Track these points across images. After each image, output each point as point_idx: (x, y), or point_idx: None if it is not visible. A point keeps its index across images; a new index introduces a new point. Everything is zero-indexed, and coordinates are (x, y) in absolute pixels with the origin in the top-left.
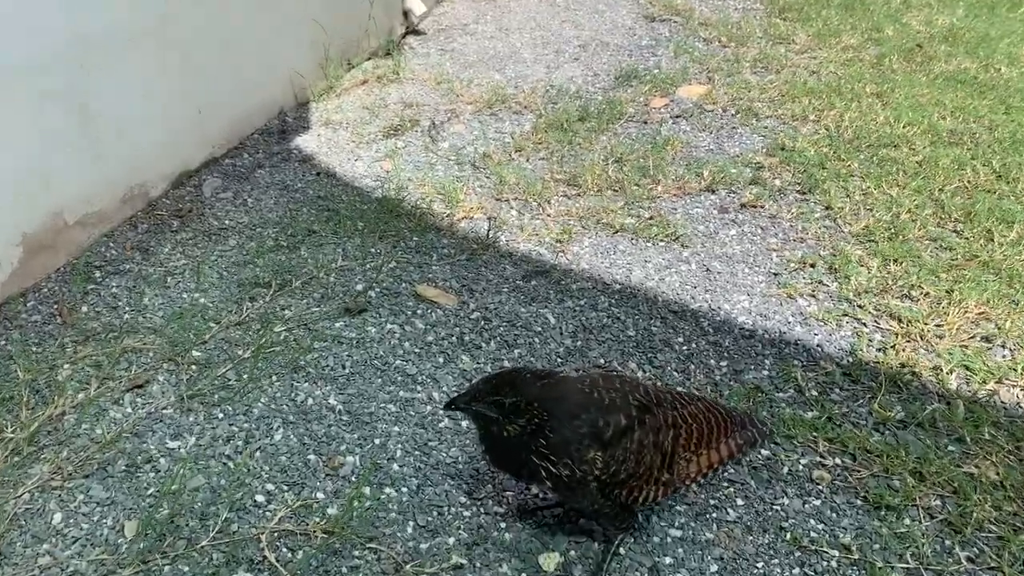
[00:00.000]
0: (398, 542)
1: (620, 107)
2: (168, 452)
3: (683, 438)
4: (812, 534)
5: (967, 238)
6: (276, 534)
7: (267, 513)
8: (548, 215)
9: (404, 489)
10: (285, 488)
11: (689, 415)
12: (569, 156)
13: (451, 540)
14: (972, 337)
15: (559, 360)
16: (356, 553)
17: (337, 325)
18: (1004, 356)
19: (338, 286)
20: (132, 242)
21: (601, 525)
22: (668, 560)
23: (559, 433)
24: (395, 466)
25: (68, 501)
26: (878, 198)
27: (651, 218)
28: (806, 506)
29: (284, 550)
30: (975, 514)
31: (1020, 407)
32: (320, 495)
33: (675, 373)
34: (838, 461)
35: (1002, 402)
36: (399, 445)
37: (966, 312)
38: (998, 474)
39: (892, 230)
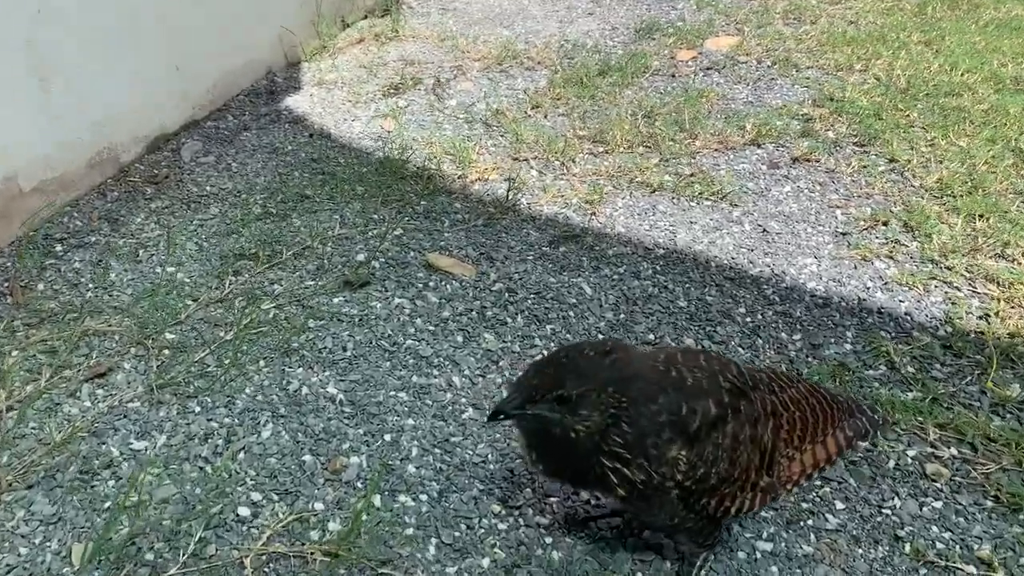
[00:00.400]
0: (418, 565)
1: (644, 60)
2: (132, 455)
3: (785, 430)
4: (938, 545)
5: None
6: (264, 557)
7: (252, 530)
8: (573, 175)
9: (423, 497)
10: (275, 498)
11: (790, 400)
12: (592, 112)
13: (485, 562)
14: None
15: (602, 337)
16: None
17: (336, 301)
18: None
19: (336, 257)
20: (100, 211)
21: (676, 541)
22: None
23: (636, 425)
24: (410, 468)
25: (4, 519)
26: (947, 149)
27: (692, 175)
28: (924, 509)
29: None
30: None
31: None
32: (319, 506)
33: (740, 349)
34: (955, 452)
35: None
36: (415, 442)
37: None
38: None
39: (970, 183)
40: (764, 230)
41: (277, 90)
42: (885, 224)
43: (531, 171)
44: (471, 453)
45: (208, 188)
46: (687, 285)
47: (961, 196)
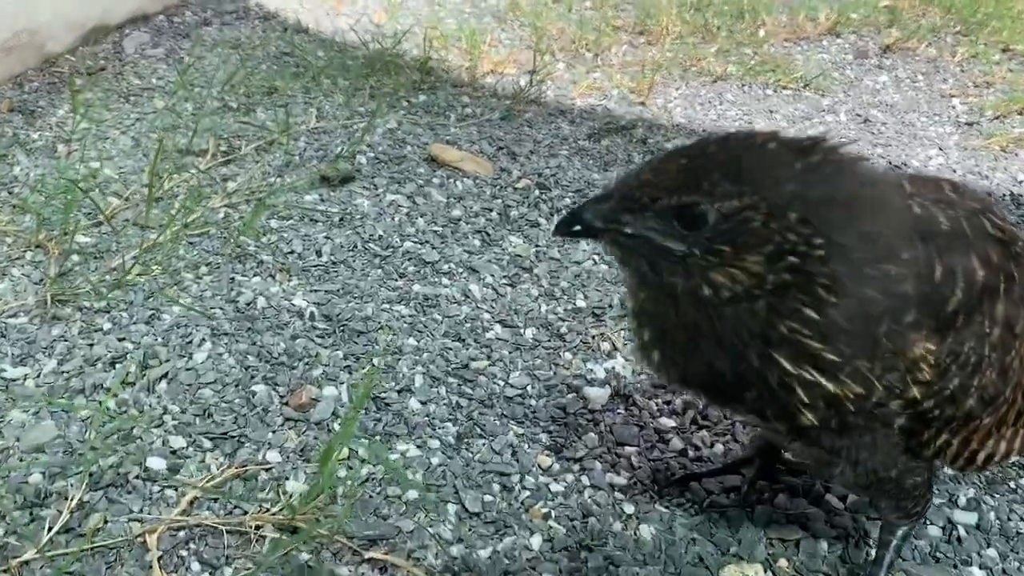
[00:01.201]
0: (428, 547)
1: None
2: (3, 386)
3: None
4: None
5: None
6: (182, 534)
7: (168, 492)
8: (611, 65)
9: (434, 444)
10: (207, 444)
11: None
12: (627, 2)
13: (535, 540)
14: None
15: None
16: (344, 574)
17: (308, 199)
18: None
19: (310, 151)
20: (13, 101)
21: (871, 507)
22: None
23: (846, 292)
24: (413, 403)
25: None
26: None
27: (762, 63)
28: None
29: (196, 567)
30: None
31: None
32: (273, 456)
33: None
34: None
35: None
36: (418, 367)
37: None
38: None
39: None
40: (865, 120)
41: None
42: (1021, 113)
43: (557, 63)
44: (502, 383)
45: (154, 80)
46: None
47: None
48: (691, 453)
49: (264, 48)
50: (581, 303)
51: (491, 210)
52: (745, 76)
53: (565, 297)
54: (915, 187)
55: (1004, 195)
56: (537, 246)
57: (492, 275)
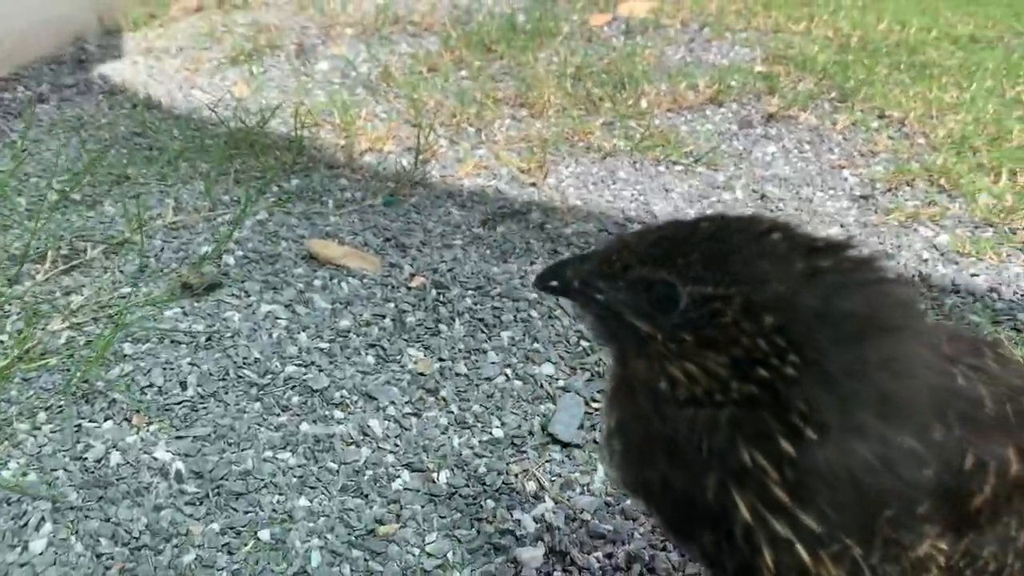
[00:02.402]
0: None
1: (553, 24)
2: None
3: None
4: None
5: None
6: None
7: None
8: (495, 142)
9: None
10: None
11: None
12: (504, 74)
13: None
14: None
15: (586, 345)
16: None
17: (169, 314)
18: None
19: (167, 253)
20: None
21: None
22: None
23: (831, 431)
24: None
25: None
26: (945, 102)
27: (650, 136)
28: None
29: None
30: None
31: None
32: None
33: None
34: None
35: None
36: (314, 538)
37: None
38: None
39: (986, 137)
40: (762, 195)
41: (89, 59)
42: (910, 184)
43: (440, 139)
44: (417, 552)
45: None
46: None
47: (984, 150)
48: None
49: (111, 128)
50: (498, 431)
51: (384, 316)
52: (634, 152)
53: (479, 425)
54: (953, 348)
55: (913, 274)
56: (441, 359)
57: (393, 402)
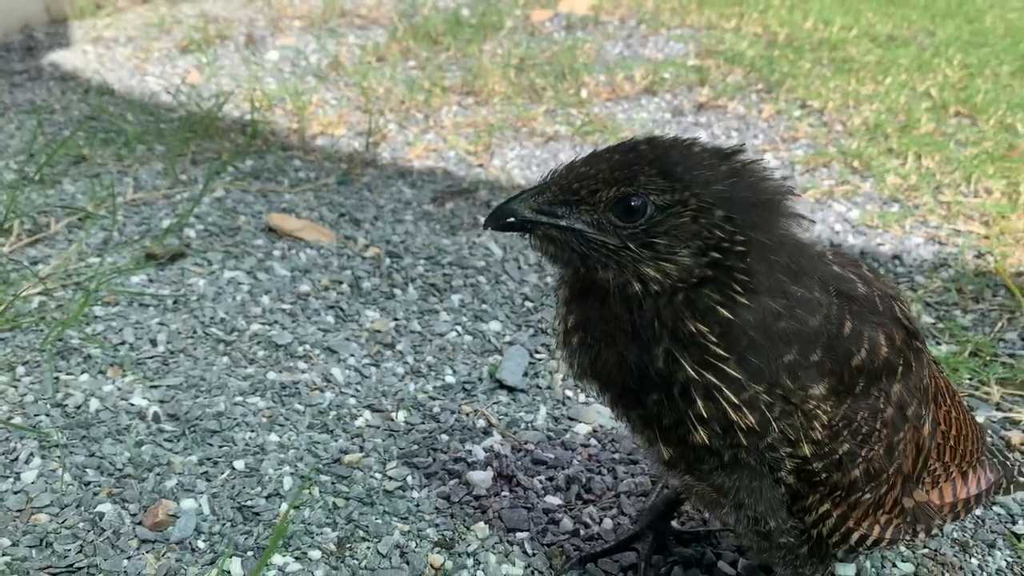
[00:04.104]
0: None
1: (497, 18)
2: None
3: (941, 430)
4: None
5: (983, 130)
6: None
7: None
8: (443, 127)
9: (314, 554)
10: None
11: (948, 389)
12: (451, 64)
13: None
14: None
15: (530, 306)
16: None
17: (136, 280)
18: None
19: (130, 227)
20: None
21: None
22: None
23: (760, 299)
24: (286, 508)
25: None
26: (862, 94)
27: (589, 123)
28: None
29: None
30: None
31: None
32: None
33: None
34: None
35: None
36: (285, 467)
37: None
38: None
39: (896, 125)
40: None
41: (38, 47)
42: (827, 166)
43: (389, 124)
44: (379, 476)
45: None
46: None
47: (894, 137)
48: (583, 532)
49: (65, 113)
50: (450, 378)
51: (341, 282)
52: (575, 136)
53: (433, 373)
54: (838, 257)
55: (825, 243)
56: (396, 319)
57: (352, 355)
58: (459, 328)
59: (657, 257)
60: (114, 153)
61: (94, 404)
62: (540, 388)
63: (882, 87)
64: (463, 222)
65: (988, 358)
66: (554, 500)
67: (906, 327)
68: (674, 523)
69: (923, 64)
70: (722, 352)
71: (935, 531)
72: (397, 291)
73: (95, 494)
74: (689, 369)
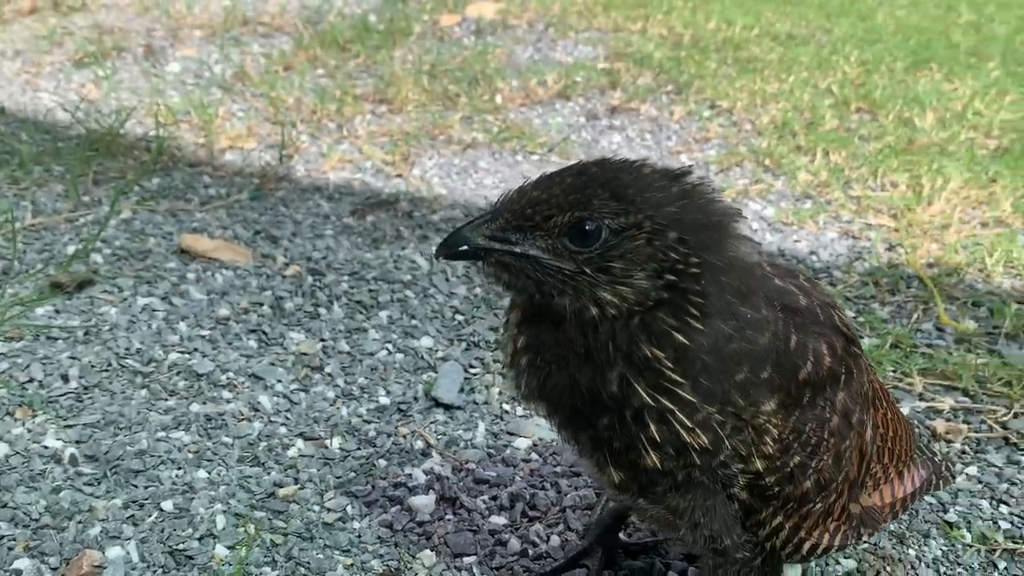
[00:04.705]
0: None
1: (405, 24)
2: None
3: (880, 433)
4: (1002, 524)
5: (884, 125)
6: None
7: None
8: (357, 136)
9: None
10: None
11: (883, 392)
12: (360, 71)
13: None
14: (984, 224)
15: (461, 319)
16: None
17: (41, 312)
18: None
19: (31, 254)
20: None
21: None
22: None
23: (713, 322)
24: (219, 549)
25: None
26: (768, 93)
27: (506, 129)
28: (960, 481)
29: None
30: None
31: None
32: None
33: None
34: (952, 402)
35: None
36: (217, 504)
37: (951, 198)
38: None
39: (803, 122)
40: None
41: None
42: (739, 166)
43: (301, 135)
44: (317, 508)
45: None
46: None
47: (801, 135)
48: (531, 552)
49: None
50: (384, 399)
51: (262, 304)
52: (493, 143)
53: (366, 395)
54: (775, 269)
55: None
56: (323, 340)
57: (280, 381)
58: (389, 346)
59: (614, 281)
60: (8, 176)
61: (3, 449)
62: (477, 404)
63: (786, 85)
64: (386, 235)
65: (908, 349)
66: (499, 520)
67: (845, 334)
68: (622, 535)
69: (823, 62)
70: (677, 377)
71: (878, 532)
72: (322, 310)
73: (10, 549)
74: (644, 394)
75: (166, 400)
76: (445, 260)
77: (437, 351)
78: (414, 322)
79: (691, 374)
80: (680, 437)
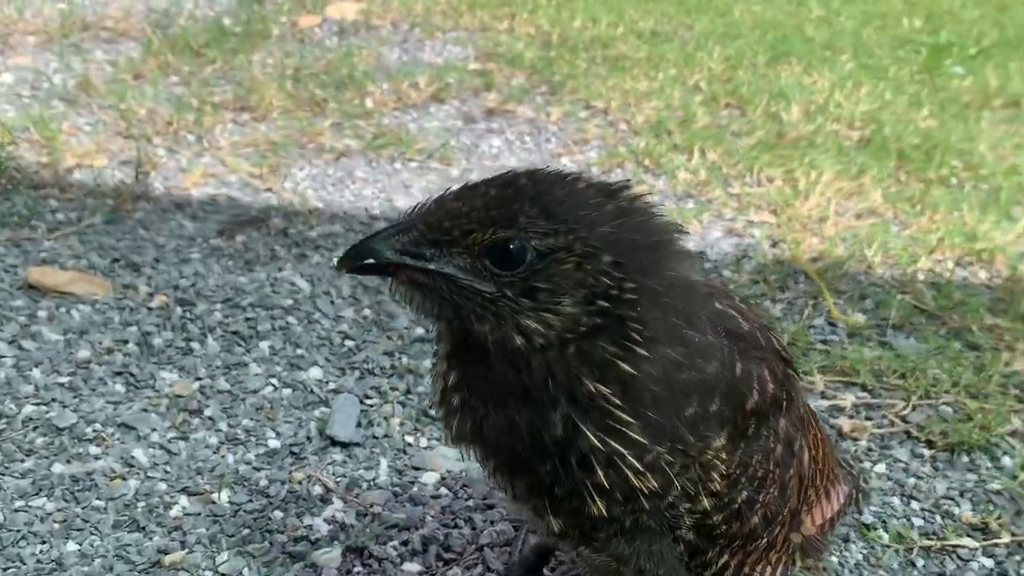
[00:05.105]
0: None
1: (263, 26)
2: None
3: (811, 455)
4: (915, 521)
5: (753, 120)
6: None
7: None
8: (219, 148)
9: None
10: None
11: (808, 409)
12: (218, 78)
13: None
14: (859, 215)
15: (351, 345)
16: None
17: None
18: (901, 230)
19: None
20: None
21: None
22: None
23: (657, 338)
24: None
25: None
26: (639, 92)
27: (381, 135)
28: (870, 479)
29: None
30: None
31: (974, 278)
32: None
33: None
34: (853, 398)
35: (954, 278)
36: None
37: (824, 191)
38: None
39: (676, 120)
40: None
41: None
42: (620, 167)
43: (157, 150)
44: (210, 575)
45: None
46: None
47: (676, 133)
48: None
49: None
50: (274, 442)
51: (127, 341)
52: (368, 150)
53: (253, 439)
54: (708, 288)
55: None
56: (199, 378)
57: (154, 429)
58: (274, 381)
59: (538, 307)
60: None
61: None
62: (377, 438)
63: (656, 83)
64: (259, 256)
65: (806, 347)
66: (413, 567)
67: (784, 358)
68: (546, 572)
69: (688, 58)
70: (627, 417)
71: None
72: (195, 344)
73: None
74: (591, 437)
75: (22, 462)
76: (349, 273)
77: (328, 383)
78: (299, 352)
79: (640, 411)
80: (628, 481)
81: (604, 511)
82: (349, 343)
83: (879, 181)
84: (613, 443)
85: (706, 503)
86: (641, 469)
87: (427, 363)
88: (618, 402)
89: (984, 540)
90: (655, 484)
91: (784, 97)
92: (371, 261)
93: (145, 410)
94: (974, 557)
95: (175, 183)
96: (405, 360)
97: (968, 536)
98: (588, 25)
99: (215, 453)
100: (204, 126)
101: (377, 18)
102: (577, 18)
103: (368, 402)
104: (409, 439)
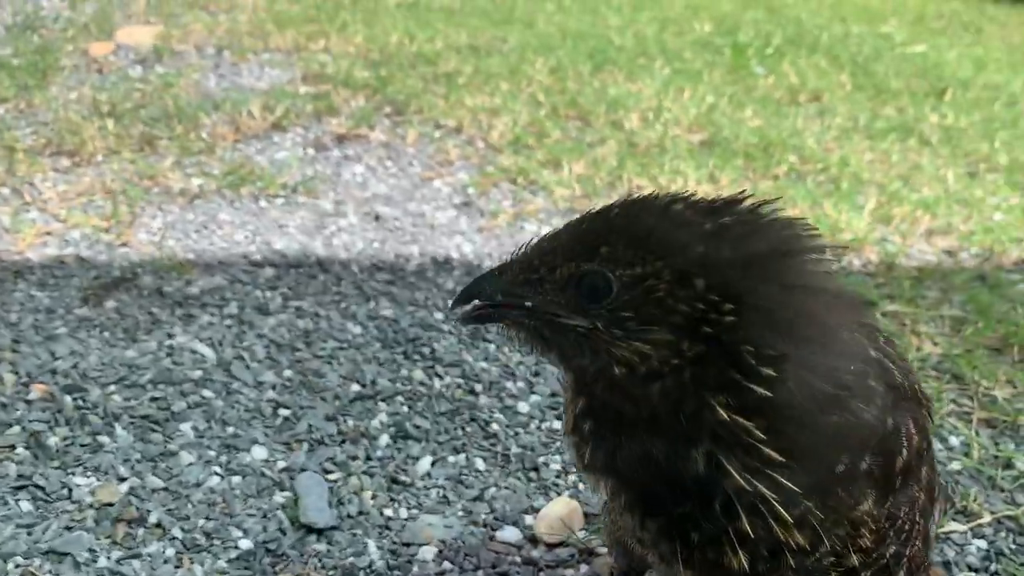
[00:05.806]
0: None
1: (52, 57)
2: None
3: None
4: None
5: (600, 131)
6: None
7: None
8: (47, 200)
9: None
10: None
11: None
12: (17, 119)
13: None
14: None
15: (287, 413)
16: None
17: None
18: None
19: None
20: None
21: None
22: None
23: (795, 370)
24: None
25: None
26: (485, 107)
27: (233, 171)
28: None
29: None
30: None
31: (850, 267)
32: None
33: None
34: None
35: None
36: None
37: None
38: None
39: (532, 136)
40: (377, 217)
41: None
42: (496, 186)
43: None
44: None
45: None
46: (343, 302)
47: (537, 148)
48: None
49: None
50: (244, 542)
51: (13, 447)
52: (224, 189)
53: (218, 542)
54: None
55: None
56: (123, 479)
57: (91, 550)
58: (216, 468)
59: (629, 336)
60: None
61: None
62: (353, 517)
63: (497, 98)
64: (139, 322)
65: None
66: None
67: (923, 403)
68: None
69: (514, 71)
70: (774, 454)
71: None
72: (103, 438)
73: None
74: (737, 476)
75: None
76: (454, 318)
77: (276, 462)
78: (230, 430)
79: (785, 449)
80: (773, 532)
81: (746, 565)
82: (283, 412)
83: (734, 181)
84: (760, 486)
85: (854, 560)
86: (789, 520)
87: (375, 423)
88: (762, 435)
89: (968, 522)
90: (803, 540)
91: (621, 106)
92: (478, 312)
93: (69, 528)
94: (968, 541)
95: (5, 247)
96: (351, 423)
97: (954, 521)
98: (405, 41)
99: (178, 568)
100: (20, 176)
101: (178, 42)
102: (392, 34)
103: (330, 477)
104: (388, 512)
